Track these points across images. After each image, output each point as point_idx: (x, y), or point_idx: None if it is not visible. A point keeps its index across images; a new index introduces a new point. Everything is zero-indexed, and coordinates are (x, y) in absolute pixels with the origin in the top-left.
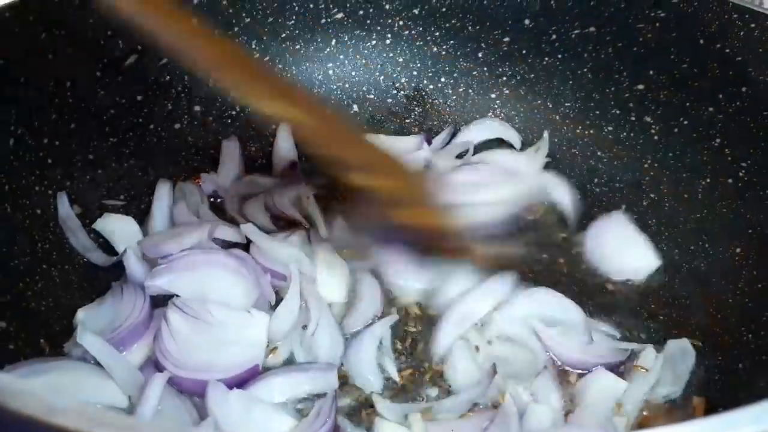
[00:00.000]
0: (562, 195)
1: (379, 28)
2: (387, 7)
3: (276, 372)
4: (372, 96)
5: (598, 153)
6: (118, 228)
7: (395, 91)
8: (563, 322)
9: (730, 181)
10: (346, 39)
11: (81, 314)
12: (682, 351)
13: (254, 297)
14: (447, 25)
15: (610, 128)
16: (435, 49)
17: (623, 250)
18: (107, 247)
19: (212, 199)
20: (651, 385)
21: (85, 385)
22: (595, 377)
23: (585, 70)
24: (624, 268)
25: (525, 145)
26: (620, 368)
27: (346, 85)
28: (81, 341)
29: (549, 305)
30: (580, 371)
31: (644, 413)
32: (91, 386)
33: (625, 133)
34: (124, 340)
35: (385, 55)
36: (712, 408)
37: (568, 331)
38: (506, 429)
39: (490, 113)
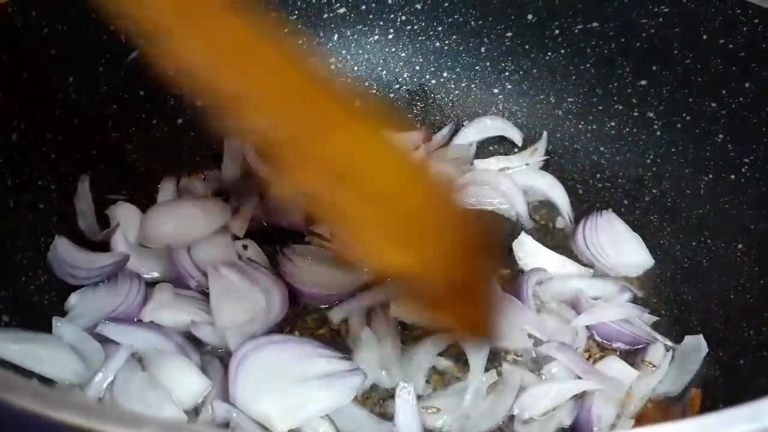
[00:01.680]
0: (559, 194)
1: (381, 23)
2: (389, 1)
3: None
4: (374, 91)
5: (601, 148)
6: (128, 217)
7: (397, 86)
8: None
9: (732, 176)
10: (348, 34)
11: (73, 299)
12: (695, 348)
13: None
14: (449, 19)
15: (612, 123)
16: (437, 44)
17: (615, 248)
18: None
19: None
20: (658, 380)
21: (53, 360)
22: (608, 364)
23: (588, 65)
24: (617, 266)
25: (527, 141)
26: (628, 362)
27: (348, 80)
28: (56, 331)
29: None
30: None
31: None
32: (57, 362)
33: (627, 129)
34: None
35: (387, 50)
36: (710, 401)
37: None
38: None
39: (493, 108)
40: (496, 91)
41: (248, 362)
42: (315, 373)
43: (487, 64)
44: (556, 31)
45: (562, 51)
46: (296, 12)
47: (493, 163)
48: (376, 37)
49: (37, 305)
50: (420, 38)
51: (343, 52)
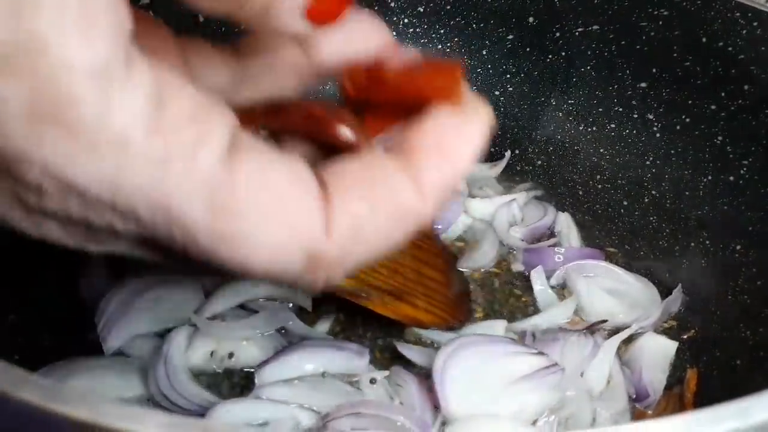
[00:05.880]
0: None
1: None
2: (392, 4)
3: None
4: None
5: (601, 150)
6: None
7: None
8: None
9: (731, 178)
10: None
11: None
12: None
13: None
14: (451, 22)
15: (612, 125)
16: (439, 46)
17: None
18: None
19: None
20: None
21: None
22: (645, 340)
23: (588, 67)
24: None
25: (532, 143)
26: None
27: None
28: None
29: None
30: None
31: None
32: (110, 382)
33: (627, 131)
34: None
35: None
36: (707, 401)
37: None
38: None
39: (494, 110)
40: (497, 93)
41: (451, 371)
42: (518, 375)
43: (489, 66)
44: (557, 34)
45: (563, 53)
46: None
47: None
48: None
49: (42, 302)
50: (422, 41)
51: None
